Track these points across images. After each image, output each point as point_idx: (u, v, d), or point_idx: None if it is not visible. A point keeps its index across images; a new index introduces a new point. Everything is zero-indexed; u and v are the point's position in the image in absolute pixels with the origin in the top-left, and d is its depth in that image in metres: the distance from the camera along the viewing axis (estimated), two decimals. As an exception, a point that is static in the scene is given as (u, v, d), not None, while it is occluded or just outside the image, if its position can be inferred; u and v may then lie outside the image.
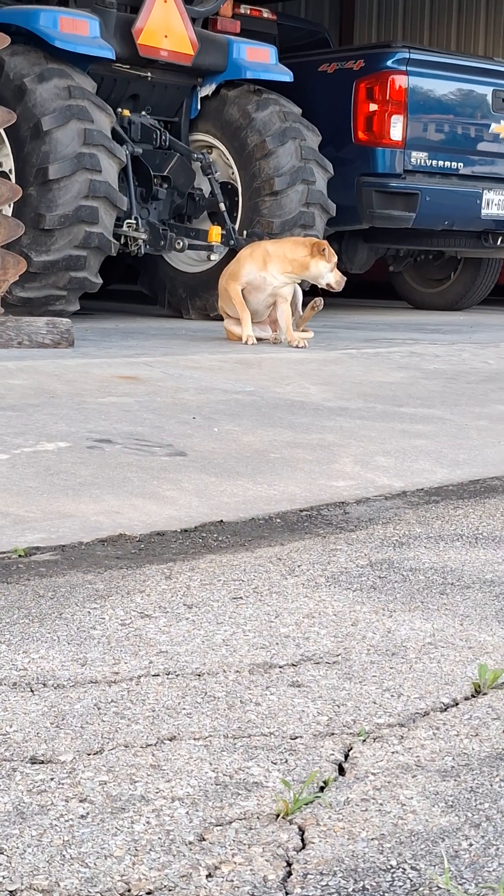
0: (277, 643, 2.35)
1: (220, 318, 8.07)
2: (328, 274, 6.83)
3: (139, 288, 9.68)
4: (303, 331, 7.14)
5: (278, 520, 3.54)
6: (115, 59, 8.03)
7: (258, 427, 4.69)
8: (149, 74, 8.52)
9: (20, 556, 3.02)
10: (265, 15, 11.91)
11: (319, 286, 6.96)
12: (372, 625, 2.48)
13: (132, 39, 8.19)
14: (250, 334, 6.88)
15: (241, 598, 2.66)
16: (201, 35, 8.62)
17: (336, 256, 6.92)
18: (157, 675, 2.15)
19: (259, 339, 6.97)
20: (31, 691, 2.06)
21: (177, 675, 2.15)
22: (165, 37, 8.35)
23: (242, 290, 6.90)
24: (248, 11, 11.44)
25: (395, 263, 11.66)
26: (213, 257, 8.57)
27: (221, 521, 3.48)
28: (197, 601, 2.63)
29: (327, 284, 6.87)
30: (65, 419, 4.51)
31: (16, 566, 2.93)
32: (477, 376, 6.31)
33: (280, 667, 2.21)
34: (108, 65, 8.20)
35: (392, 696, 2.08)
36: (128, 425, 4.53)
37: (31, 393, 4.90)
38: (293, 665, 2.22)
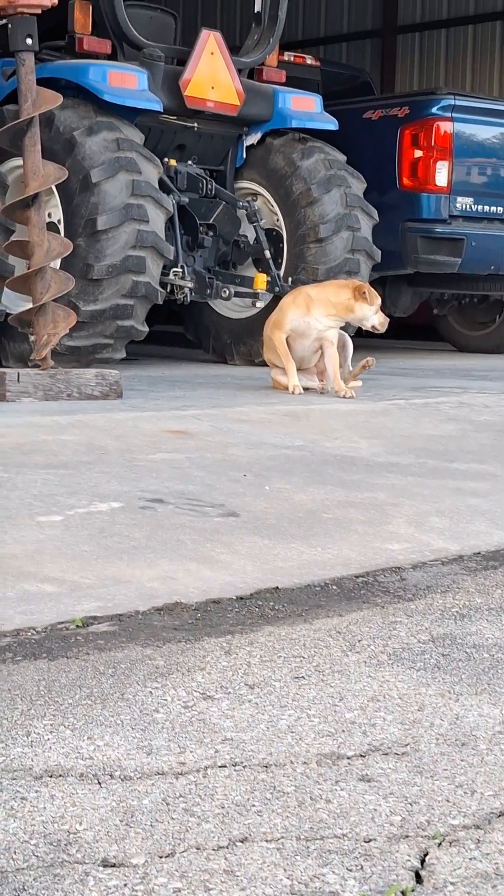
0: (344, 730, 2.32)
1: (265, 364, 8.07)
2: (372, 316, 6.84)
3: (184, 333, 9.70)
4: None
5: (334, 586, 3.51)
6: (162, 110, 8.08)
7: (309, 485, 4.67)
8: (195, 125, 8.56)
9: (78, 626, 3.00)
10: (308, 61, 11.97)
11: (364, 328, 6.98)
12: (439, 710, 2.45)
13: (179, 91, 8.23)
14: (296, 384, 6.87)
15: (303, 677, 2.64)
16: (247, 85, 8.65)
17: (379, 298, 6.92)
18: (224, 767, 2.12)
19: (306, 389, 6.95)
20: (99, 783, 2.04)
21: (244, 767, 2.13)
22: (212, 88, 8.39)
23: (287, 338, 6.90)
24: (292, 58, 11.50)
25: (439, 307, 11.64)
26: (258, 304, 8.57)
27: (277, 587, 3.45)
28: (258, 680, 2.61)
29: (372, 326, 6.89)
30: (117, 477, 4.51)
31: (74, 638, 2.91)
32: (527, 429, 6.27)
33: (348, 758, 2.18)
34: (156, 116, 8.24)
35: (465, 792, 2.04)
36: (179, 483, 4.52)
37: (82, 449, 4.89)
38: (361, 756, 2.19)
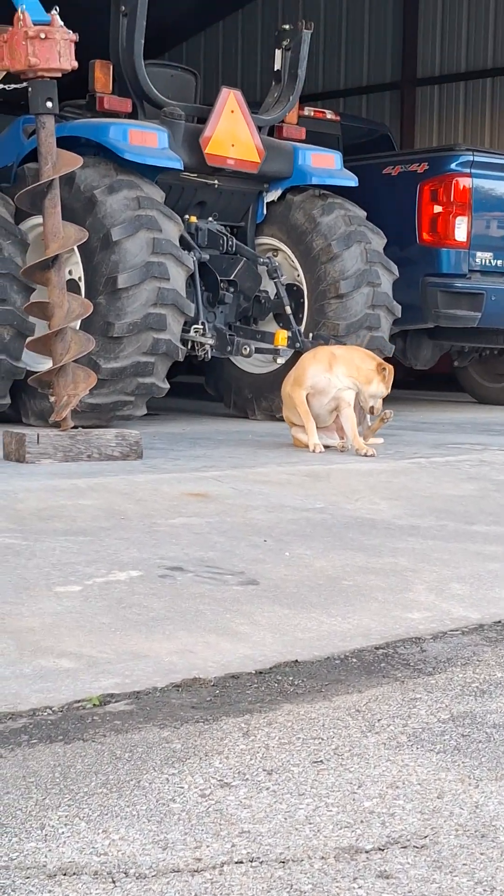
0: (362, 821, 2.29)
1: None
2: (378, 398, 6.91)
3: (205, 387, 9.72)
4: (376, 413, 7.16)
5: (354, 659, 3.48)
6: (183, 168, 8.12)
7: (330, 550, 4.65)
8: (216, 182, 8.60)
9: (95, 705, 2.98)
10: (329, 116, 12.05)
11: (363, 404, 6.95)
12: (458, 797, 2.42)
13: (200, 149, 8.28)
14: (317, 443, 6.86)
15: (321, 761, 2.61)
16: (267, 143, 8.69)
17: (390, 387, 6.99)
18: (241, 863, 2.09)
19: (326, 447, 6.94)
20: (113, 882, 2.02)
21: (261, 863, 2.10)
22: (232, 146, 8.43)
23: (307, 396, 6.89)
24: (312, 113, 11.57)
25: (459, 359, 11.64)
26: (279, 360, 8.57)
27: (296, 661, 3.43)
28: (277, 765, 2.58)
29: (371, 407, 6.92)
30: (136, 544, 4.49)
31: (91, 718, 2.89)
32: (548, 488, 6.24)
33: (367, 851, 2.15)
34: (177, 174, 8.28)
35: (484, 889, 2.01)
36: (199, 550, 4.50)
37: (102, 514, 4.89)
38: (380, 850, 2.16)
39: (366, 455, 6.67)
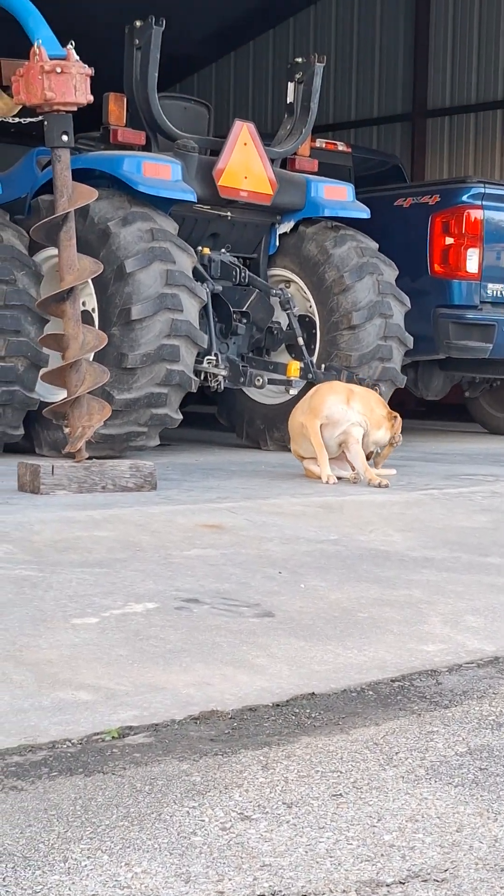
0: (383, 854, 2.30)
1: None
2: (381, 444, 7.04)
3: (217, 417, 9.75)
4: (379, 466, 7.18)
5: (370, 691, 3.50)
6: (196, 200, 8.18)
7: (345, 582, 4.67)
8: (229, 214, 8.66)
9: (114, 738, 3.00)
10: (340, 148, 12.13)
11: (365, 448, 6.97)
12: (477, 831, 2.43)
13: (213, 181, 8.34)
14: (330, 474, 6.87)
15: (341, 794, 2.62)
16: (280, 175, 8.75)
17: (398, 437, 7.05)
18: (263, 896, 2.11)
19: (339, 478, 6.96)
20: (137, 915, 2.04)
21: (283, 896, 2.11)
22: (245, 178, 8.49)
23: (320, 426, 6.91)
24: (324, 145, 11.65)
25: (470, 389, 11.68)
26: (291, 391, 8.60)
27: (313, 693, 3.44)
28: (296, 798, 2.60)
29: (370, 453, 6.99)
30: (152, 576, 4.51)
31: (110, 751, 2.91)
32: None
33: (388, 885, 2.16)
34: (190, 206, 8.34)
35: (506, 924, 2.03)
36: (214, 582, 4.52)
37: (117, 546, 4.91)
38: (401, 883, 2.17)
39: (379, 486, 6.69)
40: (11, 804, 2.54)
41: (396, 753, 2.92)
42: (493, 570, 5.07)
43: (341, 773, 2.77)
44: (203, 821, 2.46)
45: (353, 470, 7.08)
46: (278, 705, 3.33)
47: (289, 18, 20.89)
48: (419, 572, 4.92)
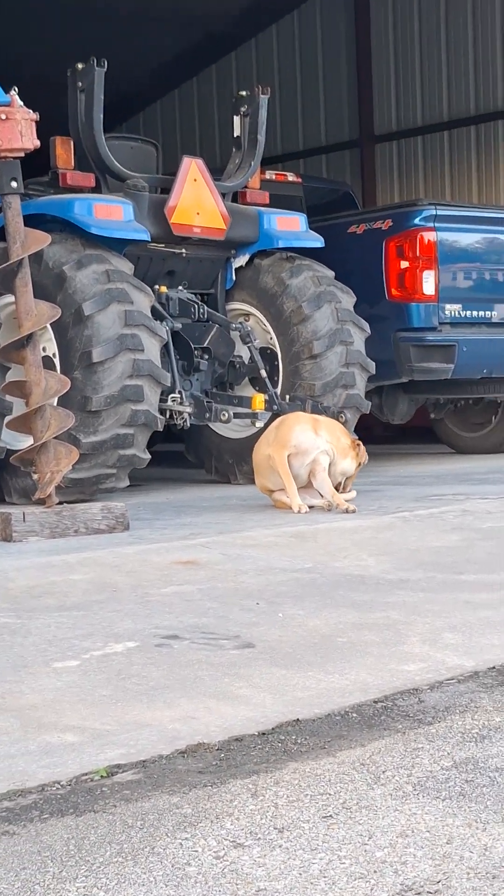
0: (375, 871, 2.33)
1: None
2: (346, 474, 7.15)
3: (185, 454, 9.77)
4: (348, 490, 7.22)
5: (354, 714, 3.52)
6: (150, 239, 8.23)
7: (322, 609, 4.70)
8: (183, 251, 8.71)
9: (103, 776, 3.01)
10: (290, 178, 12.21)
11: (333, 476, 7.03)
12: (467, 841, 2.46)
13: (165, 219, 8.39)
14: (301, 504, 6.90)
15: (331, 816, 2.65)
16: (232, 209, 8.81)
17: (364, 457, 7.13)
18: (260, 921, 2.13)
19: (310, 507, 6.99)
20: None
21: (280, 919, 2.13)
22: (197, 214, 8.55)
23: (288, 456, 6.95)
24: (274, 176, 11.73)
25: (435, 411, 11.74)
26: (257, 424, 8.64)
27: (298, 719, 3.46)
28: (287, 823, 2.62)
29: (336, 483, 7.07)
30: (130, 615, 4.53)
31: (100, 790, 2.92)
32: (533, 532, 6.31)
33: (382, 901, 2.19)
34: (144, 245, 8.39)
35: (500, 931, 2.05)
36: (193, 617, 4.55)
37: (93, 588, 4.93)
38: (395, 898, 2.20)
39: (346, 511, 6.73)
40: (4, 848, 2.55)
41: (383, 772, 2.95)
42: (467, 587, 5.11)
43: (330, 794, 2.80)
44: (196, 851, 2.48)
45: (323, 497, 7.12)
46: (264, 733, 3.35)
47: (230, 53, 21.05)
48: (395, 594, 4.96)
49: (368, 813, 2.66)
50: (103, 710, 3.52)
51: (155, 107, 22.47)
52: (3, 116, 6.00)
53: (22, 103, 6.07)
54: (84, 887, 2.33)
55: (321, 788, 2.85)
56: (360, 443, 7.12)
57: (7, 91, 6.11)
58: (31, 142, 6.10)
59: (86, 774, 3.03)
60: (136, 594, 4.86)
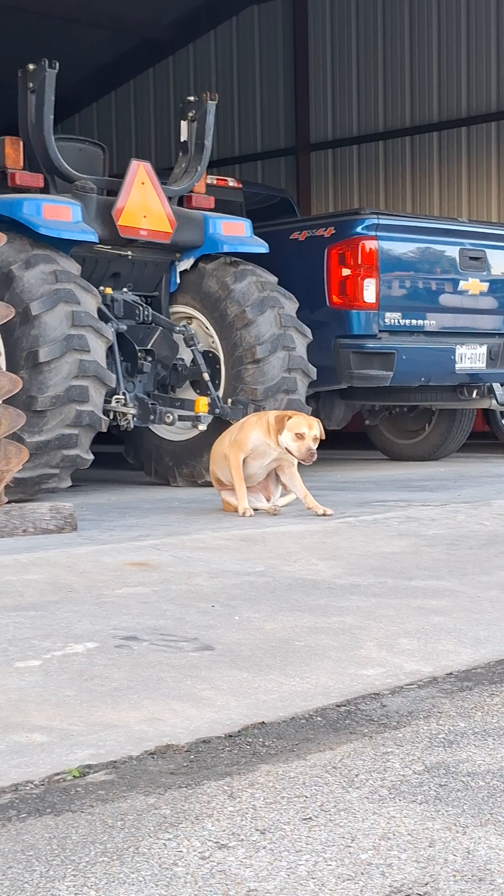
0: (363, 873, 2.36)
1: (208, 485, 8.14)
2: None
3: (124, 455, 9.77)
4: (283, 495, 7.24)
5: (318, 717, 3.56)
6: (97, 241, 8.23)
7: (277, 612, 4.73)
8: (129, 253, 8.72)
9: (75, 777, 3.02)
10: (231, 183, 12.26)
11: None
12: (449, 845, 2.50)
13: (112, 221, 8.40)
14: (247, 507, 6.94)
15: (311, 818, 2.68)
16: (178, 213, 8.84)
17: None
18: (256, 920, 2.16)
19: (256, 510, 7.02)
20: None
21: (275, 919, 2.16)
22: (144, 217, 8.56)
23: (245, 458, 6.97)
24: (215, 181, 11.76)
25: (371, 417, 11.84)
26: (200, 427, 8.67)
27: (263, 722, 3.49)
28: (268, 825, 2.65)
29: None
30: (87, 616, 4.54)
31: (74, 790, 2.93)
32: (477, 540, 6.39)
33: (374, 901, 2.23)
34: (91, 246, 8.39)
35: (494, 931, 2.10)
36: (150, 619, 4.56)
37: (48, 588, 4.92)
38: (386, 899, 2.24)
39: (325, 514, 6.75)
40: (-12, 847, 2.56)
41: (357, 775, 2.98)
42: (418, 593, 5.16)
43: (307, 797, 2.83)
44: (181, 851, 2.50)
45: (269, 501, 7.15)
46: (231, 736, 3.37)
47: (168, 57, 21.06)
48: (348, 599, 5.00)
49: (348, 816, 2.70)
50: (69, 711, 3.53)
51: (91, 108, 22.43)
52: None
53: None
54: (74, 885, 2.34)
55: (297, 791, 2.88)
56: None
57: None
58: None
59: (58, 774, 3.04)
60: (91, 595, 4.86)
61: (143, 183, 8.61)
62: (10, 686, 3.73)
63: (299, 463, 7.00)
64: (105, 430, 8.08)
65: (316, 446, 6.85)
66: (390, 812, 2.71)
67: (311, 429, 6.84)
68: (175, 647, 4.21)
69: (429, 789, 2.87)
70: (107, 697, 3.65)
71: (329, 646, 4.30)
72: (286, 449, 6.85)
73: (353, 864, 2.42)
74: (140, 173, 8.64)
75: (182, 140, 9.19)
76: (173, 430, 9.17)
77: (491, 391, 10.82)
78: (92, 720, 3.46)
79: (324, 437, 6.96)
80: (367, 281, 9.71)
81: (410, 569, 5.68)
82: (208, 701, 3.68)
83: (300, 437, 6.80)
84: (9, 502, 6.28)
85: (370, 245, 9.71)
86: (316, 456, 6.85)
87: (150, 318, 8.82)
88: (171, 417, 8.54)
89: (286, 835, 2.59)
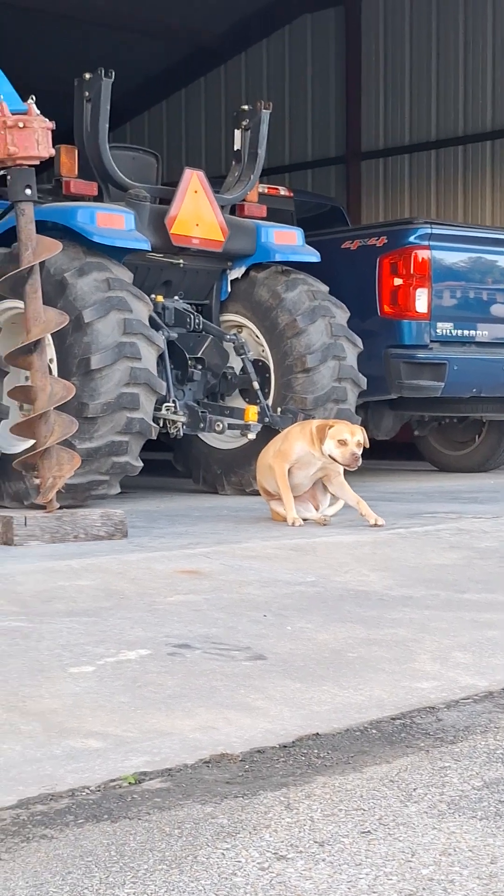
0: (424, 888, 2.35)
1: (256, 494, 8.12)
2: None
3: (173, 463, 9.78)
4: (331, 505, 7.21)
5: (373, 730, 3.54)
6: (150, 249, 8.25)
7: (329, 623, 4.72)
8: (181, 261, 8.73)
9: (131, 783, 3.02)
10: (282, 192, 12.26)
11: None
12: (511, 861, 2.49)
13: (165, 229, 8.41)
14: (295, 517, 6.91)
15: (369, 831, 2.67)
16: (230, 221, 8.84)
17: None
18: (319, 933, 2.15)
19: (305, 520, 7.00)
20: None
21: (338, 932, 2.15)
22: (197, 225, 8.57)
23: (290, 468, 6.95)
24: (266, 190, 11.76)
25: (420, 428, 11.78)
26: (249, 435, 8.65)
27: (317, 733, 3.49)
28: (326, 837, 2.63)
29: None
30: (140, 623, 4.54)
31: (130, 796, 2.93)
32: (529, 553, 6.35)
33: (437, 917, 2.21)
34: (143, 254, 8.40)
35: None
36: (202, 627, 4.56)
37: (101, 594, 4.93)
38: (449, 915, 2.22)
39: (377, 524, 6.72)
40: (46, 852, 2.56)
41: (414, 790, 2.97)
42: (471, 606, 5.14)
43: (364, 810, 2.82)
44: (240, 861, 2.49)
45: (317, 510, 7.13)
46: (285, 746, 3.37)
47: (220, 66, 21.11)
48: (401, 611, 4.98)
49: (407, 830, 2.68)
50: (123, 717, 3.53)
51: (143, 117, 22.50)
52: (21, 125, 6.01)
53: (38, 112, 6.08)
54: (133, 893, 2.34)
55: (354, 804, 2.87)
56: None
57: (24, 100, 6.11)
58: (47, 150, 6.11)
59: (114, 780, 3.04)
60: (143, 602, 4.87)
61: (195, 191, 8.62)
62: (64, 691, 3.73)
63: (345, 470, 6.98)
64: (154, 438, 8.08)
65: (360, 452, 6.83)
66: (450, 827, 2.69)
67: (354, 435, 6.82)
68: (227, 655, 4.20)
69: (489, 805, 2.85)
70: (160, 705, 3.65)
71: (382, 658, 4.28)
72: (330, 457, 6.83)
73: (414, 879, 2.40)
74: (193, 182, 8.65)
75: (235, 149, 9.19)
76: (222, 439, 9.16)
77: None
78: (146, 727, 3.46)
79: (367, 445, 6.93)
80: (419, 291, 9.68)
81: (463, 581, 5.65)
82: (262, 710, 3.67)
83: (343, 443, 6.78)
84: (60, 508, 6.29)
85: (423, 254, 9.68)
86: (360, 461, 6.82)
87: (200, 327, 8.81)
88: (221, 426, 8.54)
89: (345, 848, 2.57)
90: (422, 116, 18.51)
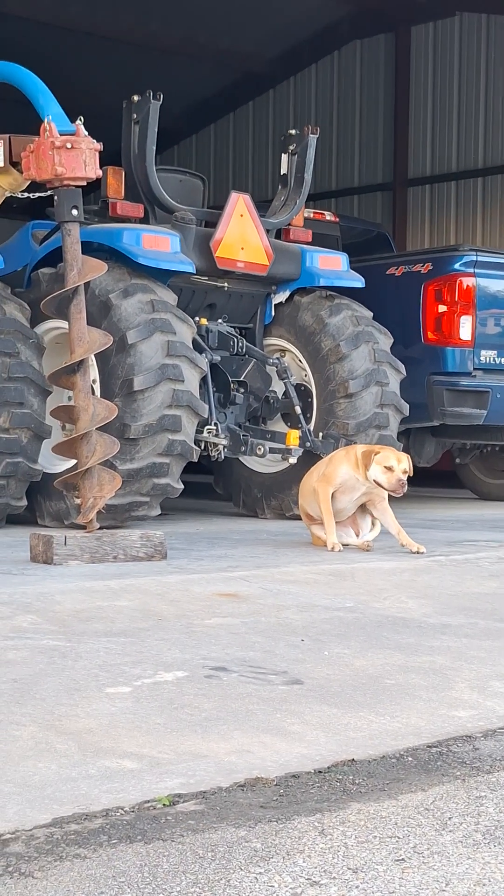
0: (458, 918, 2.33)
1: (297, 518, 8.12)
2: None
3: (213, 486, 9.79)
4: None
5: (409, 757, 3.53)
6: (195, 272, 8.27)
7: (367, 649, 4.70)
8: (226, 284, 8.75)
9: (165, 805, 3.02)
10: (328, 217, 12.28)
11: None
12: (546, 893, 2.47)
13: (210, 252, 8.44)
14: (336, 542, 6.91)
15: (403, 859, 2.65)
16: (276, 245, 8.86)
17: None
18: None
19: (345, 545, 6.99)
20: None
21: None
22: (242, 249, 8.59)
23: (333, 492, 6.94)
24: (312, 215, 11.78)
25: (461, 456, 11.76)
26: (290, 460, 8.65)
27: (353, 760, 3.47)
28: (360, 864, 2.62)
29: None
30: (177, 645, 4.54)
31: (164, 818, 2.93)
32: None
33: None
34: (188, 277, 8.43)
35: None
36: (239, 650, 4.55)
37: (139, 616, 4.93)
38: (483, 946, 2.20)
39: (419, 552, 6.71)
40: (79, 872, 2.56)
41: (450, 818, 2.95)
42: (510, 634, 5.11)
43: (399, 838, 2.80)
44: (272, 886, 2.48)
45: (358, 536, 7.12)
46: (320, 772, 3.35)
47: (268, 90, 21.18)
48: (439, 639, 4.96)
49: (441, 859, 2.66)
50: (159, 739, 3.53)
51: (190, 140, 22.60)
52: (69, 146, 6.05)
53: (86, 133, 6.11)
54: (166, 917, 2.33)
55: (389, 831, 2.85)
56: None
57: (73, 121, 6.15)
58: (94, 171, 6.14)
59: (148, 802, 3.04)
60: (181, 623, 4.86)
61: (241, 215, 8.64)
62: (101, 711, 3.73)
63: (390, 497, 6.97)
64: (196, 460, 8.09)
65: (405, 479, 6.81)
66: (485, 857, 2.67)
67: (400, 462, 6.81)
68: (264, 679, 4.19)
69: (524, 835, 2.83)
70: (196, 727, 3.64)
71: (419, 685, 4.26)
72: (375, 482, 6.82)
73: (447, 908, 2.38)
74: (239, 205, 8.68)
75: (282, 173, 9.22)
76: (263, 463, 9.17)
77: None
78: (181, 749, 3.45)
79: (412, 473, 6.91)
80: (463, 318, 9.67)
81: (502, 610, 5.62)
82: (297, 735, 3.66)
83: (389, 469, 6.77)
84: (100, 528, 6.31)
85: (468, 282, 9.68)
86: (406, 487, 6.80)
87: (243, 350, 8.83)
88: (262, 449, 8.54)
89: (379, 875, 2.56)
90: (469, 144, 18.50)
